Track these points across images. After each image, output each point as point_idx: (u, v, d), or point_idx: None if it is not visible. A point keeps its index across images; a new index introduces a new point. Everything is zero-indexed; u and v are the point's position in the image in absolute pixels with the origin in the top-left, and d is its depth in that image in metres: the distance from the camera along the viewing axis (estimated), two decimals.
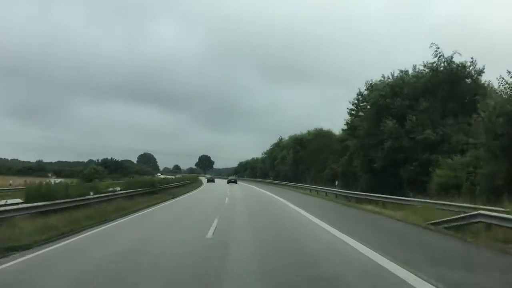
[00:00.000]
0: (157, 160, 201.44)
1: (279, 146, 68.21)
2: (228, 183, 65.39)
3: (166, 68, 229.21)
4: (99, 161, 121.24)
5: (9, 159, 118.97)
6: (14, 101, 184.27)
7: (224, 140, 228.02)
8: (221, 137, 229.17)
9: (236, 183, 66.53)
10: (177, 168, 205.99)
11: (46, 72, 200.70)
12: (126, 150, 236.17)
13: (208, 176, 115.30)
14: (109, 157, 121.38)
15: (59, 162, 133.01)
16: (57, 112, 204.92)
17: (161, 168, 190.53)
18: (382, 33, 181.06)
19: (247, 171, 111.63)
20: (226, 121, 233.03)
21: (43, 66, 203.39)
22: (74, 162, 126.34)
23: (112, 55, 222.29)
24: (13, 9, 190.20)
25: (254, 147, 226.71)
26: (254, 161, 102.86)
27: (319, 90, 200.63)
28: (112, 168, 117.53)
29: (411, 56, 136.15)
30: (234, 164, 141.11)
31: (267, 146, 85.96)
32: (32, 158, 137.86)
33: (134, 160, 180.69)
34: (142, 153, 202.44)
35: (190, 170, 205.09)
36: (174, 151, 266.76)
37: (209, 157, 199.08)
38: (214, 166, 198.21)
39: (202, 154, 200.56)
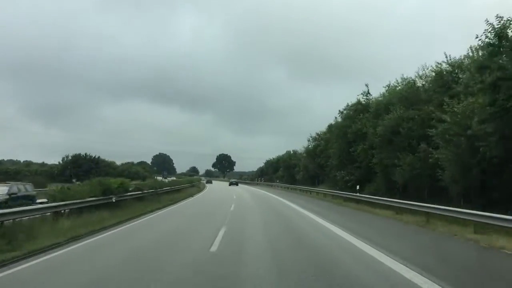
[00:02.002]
0: (173, 162, 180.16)
1: (367, 107, 27.93)
2: (230, 185, 70.26)
3: (186, 64, 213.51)
4: (69, 157, 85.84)
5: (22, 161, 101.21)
6: (27, 101, 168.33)
7: (247, 142, 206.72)
8: (244, 138, 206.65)
9: (237, 185, 71.06)
10: (193, 170, 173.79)
11: (61, 69, 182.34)
12: (144, 150, 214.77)
13: (206, 178, 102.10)
14: (83, 153, 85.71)
15: None
16: (72, 111, 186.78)
17: (178, 170, 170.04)
18: (418, 28, 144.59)
19: (278, 172, 72.48)
20: (249, 121, 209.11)
21: (58, 63, 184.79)
22: None
23: (130, 51, 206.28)
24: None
25: (280, 150, 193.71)
26: (291, 156, 63.62)
27: (351, 86, 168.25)
28: (86, 167, 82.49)
29: (449, 51, 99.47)
30: (259, 165, 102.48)
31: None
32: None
33: (149, 161, 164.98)
34: (157, 153, 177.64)
35: (207, 173, 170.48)
36: (194, 152, 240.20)
37: (229, 157, 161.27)
38: (236, 169, 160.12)
39: (220, 153, 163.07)
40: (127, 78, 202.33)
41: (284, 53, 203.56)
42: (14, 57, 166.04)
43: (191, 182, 47.78)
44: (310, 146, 47.77)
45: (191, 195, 34.73)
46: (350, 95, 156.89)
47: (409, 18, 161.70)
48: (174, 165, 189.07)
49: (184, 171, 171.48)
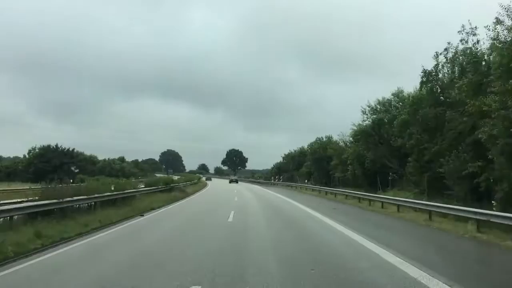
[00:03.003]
0: (182, 159, 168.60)
1: None
2: (230, 182, 68.55)
3: (197, 59, 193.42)
4: (36, 150, 68.26)
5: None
6: (35, 97, 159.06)
7: (260, 139, 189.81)
8: (257, 135, 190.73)
9: (237, 182, 68.18)
10: (203, 168, 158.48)
11: (69, 64, 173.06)
12: (154, 147, 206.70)
13: (205, 176, 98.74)
14: (53, 145, 67.80)
15: None
16: (81, 107, 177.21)
17: (187, 167, 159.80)
18: (447, 19, 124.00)
19: (302, 168, 53.23)
20: (263, 118, 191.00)
21: (66, 58, 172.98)
22: None
23: (139, 45, 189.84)
24: None
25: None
26: (324, 144, 43.99)
27: (370, 82, 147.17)
28: (57, 162, 65.82)
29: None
30: (274, 162, 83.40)
31: None
32: None
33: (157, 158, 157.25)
34: (165, 150, 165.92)
35: (217, 170, 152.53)
36: (204, 149, 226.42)
37: (241, 152, 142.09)
38: (248, 166, 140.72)
39: (231, 149, 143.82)
40: (136, 73, 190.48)
41: (298, 46, 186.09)
42: (21, 51, 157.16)
43: (167, 183, 28.80)
44: (367, 122, 28.12)
45: (143, 212, 15.88)
46: (369, 92, 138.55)
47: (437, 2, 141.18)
48: (183, 162, 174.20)
49: (194, 168, 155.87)
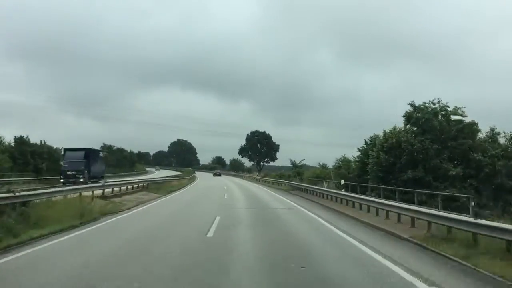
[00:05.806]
0: (197, 151, 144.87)
1: None
2: (214, 175, 71.54)
3: (222, 47, 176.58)
4: None
5: None
6: (56, 86, 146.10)
7: (291, 136, 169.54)
8: (287, 132, 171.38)
9: (220, 175, 70.69)
10: (218, 162, 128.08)
11: (89, 50, 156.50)
12: (172, 139, 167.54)
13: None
14: None
15: None
16: (101, 96, 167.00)
17: (202, 161, 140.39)
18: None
19: None
20: (292, 110, 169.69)
21: (87, 43, 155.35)
22: None
23: (160, 31, 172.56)
24: None
25: (331, 145, 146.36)
26: None
27: (417, 68, 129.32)
28: None
29: None
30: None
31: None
32: None
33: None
34: (175, 140, 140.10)
35: (232, 164, 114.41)
36: (228, 144, 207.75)
37: (269, 137, 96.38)
38: (279, 158, 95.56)
39: (254, 130, 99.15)
40: (157, 62, 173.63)
41: (336, 31, 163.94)
42: (38, 36, 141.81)
43: None
44: None
45: None
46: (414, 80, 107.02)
47: None
48: (197, 155, 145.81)
49: (209, 162, 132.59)
